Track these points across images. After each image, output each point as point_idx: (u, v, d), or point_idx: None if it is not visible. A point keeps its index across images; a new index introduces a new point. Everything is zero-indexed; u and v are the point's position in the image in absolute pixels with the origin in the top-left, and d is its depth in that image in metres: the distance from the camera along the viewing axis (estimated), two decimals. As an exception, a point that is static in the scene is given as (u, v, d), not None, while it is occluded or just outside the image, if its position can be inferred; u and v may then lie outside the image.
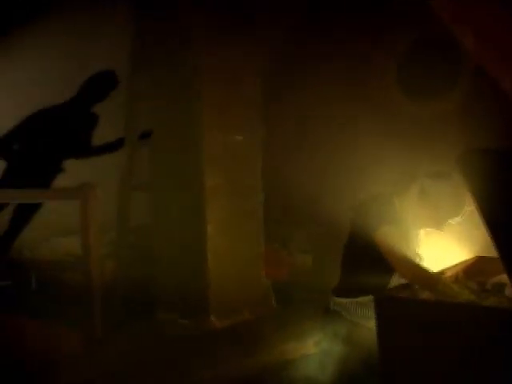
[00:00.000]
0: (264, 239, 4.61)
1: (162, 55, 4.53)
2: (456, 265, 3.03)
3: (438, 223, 2.84)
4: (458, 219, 2.80)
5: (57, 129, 5.31)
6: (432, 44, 4.68)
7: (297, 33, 5.17)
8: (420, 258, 2.85)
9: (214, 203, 4.30)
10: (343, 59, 5.01)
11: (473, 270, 3.04)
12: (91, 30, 5.28)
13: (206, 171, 4.28)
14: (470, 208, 2.69)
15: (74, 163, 5.39)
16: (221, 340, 4.04)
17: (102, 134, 5.46)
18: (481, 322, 2.16)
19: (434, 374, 2.25)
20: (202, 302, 4.29)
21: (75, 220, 4.10)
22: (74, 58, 5.30)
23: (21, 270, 4.95)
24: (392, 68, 4.93)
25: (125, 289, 4.61)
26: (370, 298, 2.54)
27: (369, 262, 2.70)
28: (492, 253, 2.55)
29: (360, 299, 2.79)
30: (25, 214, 5.26)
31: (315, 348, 2.99)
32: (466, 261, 3.17)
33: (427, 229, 2.95)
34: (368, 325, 2.65)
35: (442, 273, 2.75)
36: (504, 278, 2.66)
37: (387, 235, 2.65)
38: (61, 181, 5.30)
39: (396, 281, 2.74)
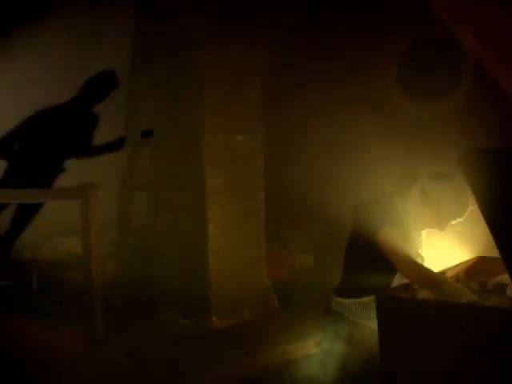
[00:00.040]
0: (265, 239, 4.61)
1: (162, 55, 4.53)
2: (457, 265, 3.03)
3: (440, 224, 2.85)
4: (459, 219, 2.80)
5: (58, 129, 5.31)
6: (432, 44, 4.68)
7: (297, 33, 5.17)
8: (422, 259, 2.85)
9: (215, 203, 4.30)
10: (343, 59, 5.00)
11: (474, 270, 3.04)
12: (91, 30, 5.28)
13: (206, 171, 4.29)
14: (472, 208, 2.69)
15: (75, 163, 5.39)
16: (222, 340, 4.04)
17: (102, 134, 5.46)
18: (482, 322, 2.17)
19: (436, 374, 2.25)
20: (203, 302, 4.29)
21: (76, 220, 4.10)
22: (74, 58, 5.30)
23: (22, 270, 4.95)
24: (392, 68, 4.94)
25: (126, 289, 4.61)
26: (372, 298, 2.54)
27: (371, 262, 2.70)
28: (493, 253, 2.55)
29: (362, 299, 2.80)
30: (26, 214, 5.26)
31: (316, 348, 2.99)
32: (467, 261, 3.17)
33: (429, 229, 2.95)
34: (369, 325, 2.66)
35: (443, 273, 2.76)
36: (505, 278, 2.66)
37: (390, 236, 2.65)
38: (62, 181, 5.30)
39: (398, 281, 2.74)
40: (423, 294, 2.55)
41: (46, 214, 5.25)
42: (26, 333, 3.54)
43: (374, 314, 2.41)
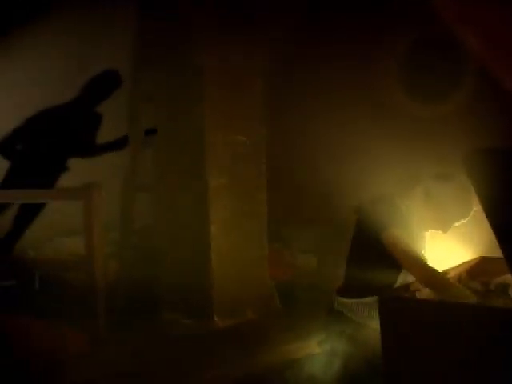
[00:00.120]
0: (267, 239, 4.62)
1: (163, 55, 4.54)
2: (460, 265, 3.03)
3: (444, 226, 2.84)
4: (463, 221, 2.80)
5: (60, 128, 5.31)
6: (434, 44, 4.67)
7: (297, 33, 5.17)
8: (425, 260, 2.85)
9: (217, 203, 4.31)
10: (344, 59, 5.00)
11: (476, 270, 3.04)
12: (91, 30, 5.28)
13: (208, 171, 4.29)
14: (475, 209, 2.69)
15: (78, 163, 5.39)
16: (224, 340, 4.04)
17: (105, 134, 5.46)
18: (484, 322, 2.16)
19: (438, 374, 2.25)
20: (205, 302, 4.30)
21: (79, 220, 4.10)
22: (74, 58, 5.29)
23: (24, 270, 4.95)
24: (394, 68, 4.93)
25: (128, 289, 4.61)
26: (374, 298, 2.54)
27: (374, 262, 2.70)
28: (496, 253, 2.55)
29: (364, 299, 2.80)
30: (28, 214, 5.26)
31: (319, 348, 2.99)
32: (469, 261, 3.17)
33: (432, 231, 2.95)
34: (372, 325, 2.66)
35: (445, 273, 2.75)
36: (508, 278, 2.66)
37: (397, 236, 2.65)
38: (65, 180, 5.30)
39: (401, 280, 2.75)
40: (423, 294, 2.55)
41: (49, 213, 5.25)
42: (30, 333, 3.54)
43: (376, 314, 2.41)
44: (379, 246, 2.67)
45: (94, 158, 5.42)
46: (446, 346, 2.20)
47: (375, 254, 2.69)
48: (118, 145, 5.24)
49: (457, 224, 2.83)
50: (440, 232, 2.91)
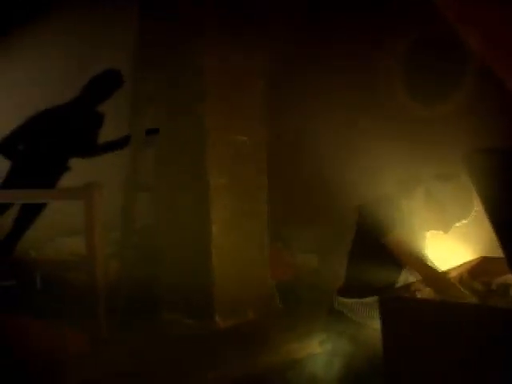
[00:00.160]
0: (268, 239, 4.62)
1: (163, 55, 4.53)
2: (461, 265, 3.03)
3: (445, 226, 2.84)
4: (464, 221, 2.80)
5: (62, 128, 5.30)
6: (435, 44, 4.67)
7: (297, 33, 5.17)
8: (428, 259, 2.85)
9: (218, 203, 4.31)
10: (345, 60, 5.00)
11: (478, 270, 3.04)
12: (92, 30, 5.28)
13: (209, 171, 4.29)
14: (476, 209, 2.69)
15: (80, 162, 5.38)
16: (225, 340, 4.04)
17: (107, 133, 5.46)
18: (485, 322, 2.16)
19: (439, 374, 2.25)
20: (206, 301, 4.29)
21: (80, 220, 4.10)
22: (75, 58, 5.30)
23: (25, 270, 4.95)
24: (394, 69, 4.93)
25: (129, 289, 4.60)
26: (375, 298, 2.54)
27: (375, 262, 2.70)
28: (497, 253, 2.55)
29: (365, 300, 2.80)
30: (29, 214, 5.25)
31: (320, 348, 2.99)
32: (470, 261, 3.17)
33: (434, 231, 2.95)
34: (373, 325, 2.66)
35: (447, 273, 2.75)
36: (509, 278, 2.67)
37: (401, 238, 2.65)
38: (66, 180, 5.30)
39: (402, 281, 2.75)
40: (423, 294, 2.55)
41: (50, 213, 5.24)
42: (30, 333, 3.54)
43: (377, 314, 2.41)
44: (380, 247, 2.67)
45: (95, 157, 5.42)
46: (447, 345, 2.20)
47: (376, 255, 2.70)
48: (118, 144, 5.23)
49: (458, 224, 2.83)
50: (441, 232, 2.91)
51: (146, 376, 3.36)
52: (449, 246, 3.27)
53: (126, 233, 4.85)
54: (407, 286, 2.62)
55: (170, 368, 3.48)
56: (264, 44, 4.59)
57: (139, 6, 4.77)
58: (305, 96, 5.22)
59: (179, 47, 4.41)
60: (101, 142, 5.44)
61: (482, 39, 2.87)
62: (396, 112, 4.77)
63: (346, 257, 2.98)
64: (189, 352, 3.76)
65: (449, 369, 2.21)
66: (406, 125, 4.62)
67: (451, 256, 3.23)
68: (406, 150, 4.24)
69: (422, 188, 2.84)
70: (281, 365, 3.38)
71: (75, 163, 5.38)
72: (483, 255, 3.28)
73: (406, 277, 2.76)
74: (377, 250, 2.68)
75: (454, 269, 2.92)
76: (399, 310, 2.35)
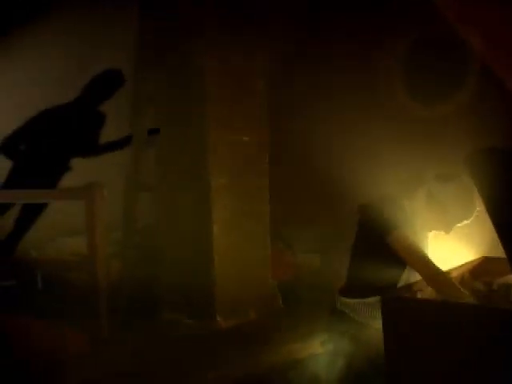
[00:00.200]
0: (270, 239, 4.61)
1: (164, 55, 4.53)
2: (462, 265, 3.02)
3: (446, 226, 2.84)
4: (466, 222, 2.79)
5: (63, 128, 5.31)
6: (436, 44, 4.66)
7: (298, 33, 5.16)
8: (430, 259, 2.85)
9: (220, 203, 4.30)
10: (347, 60, 4.99)
11: (479, 270, 3.04)
12: (92, 30, 5.28)
13: (211, 171, 4.29)
14: (479, 209, 2.68)
15: (81, 162, 5.39)
16: (226, 340, 4.04)
17: (109, 133, 5.46)
18: (486, 322, 2.16)
19: (440, 374, 2.25)
20: (207, 302, 4.29)
21: (81, 220, 4.10)
22: (75, 58, 5.29)
23: (26, 270, 4.95)
24: (395, 69, 4.92)
25: (130, 289, 4.61)
26: (377, 298, 2.54)
27: (377, 262, 2.70)
28: (498, 253, 2.55)
29: (367, 300, 2.80)
30: (31, 214, 5.26)
31: (322, 348, 2.99)
32: (472, 261, 3.16)
33: (435, 231, 2.94)
34: (374, 325, 2.65)
35: (448, 273, 2.75)
36: (511, 278, 2.66)
37: (404, 238, 2.65)
38: (68, 180, 5.30)
39: (404, 281, 2.74)
40: (425, 294, 2.55)
41: (51, 213, 5.25)
42: (31, 332, 3.54)
43: (378, 314, 2.41)
44: (382, 246, 2.67)
45: (96, 157, 5.42)
46: (448, 346, 2.20)
47: (378, 254, 2.69)
48: (119, 144, 5.24)
49: (459, 225, 2.83)
50: (443, 232, 2.90)
51: (147, 376, 3.35)
52: (450, 246, 3.27)
53: (128, 233, 4.85)
54: (409, 286, 2.62)
55: (171, 368, 3.48)
56: (264, 44, 4.59)
57: (139, 5, 4.77)
58: (305, 96, 5.21)
59: (179, 47, 4.41)
60: (102, 142, 5.45)
61: (483, 39, 2.88)
62: (397, 112, 4.77)
63: (347, 257, 2.97)
64: (190, 352, 3.76)
65: (450, 369, 2.21)
66: (407, 125, 4.61)
67: (453, 256, 3.23)
68: (407, 151, 4.24)
69: (423, 188, 2.83)
70: (282, 365, 3.38)
71: (76, 163, 5.39)
72: (485, 255, 3.28)
73: (408, 277, 2.75)
74: (379, 250, 2.68)
75: (456, 269, 2.91)
76: (401, 310, 2.35)
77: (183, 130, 4.44)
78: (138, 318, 4.32)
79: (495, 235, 2.31)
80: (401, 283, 2.74)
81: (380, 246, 2.66)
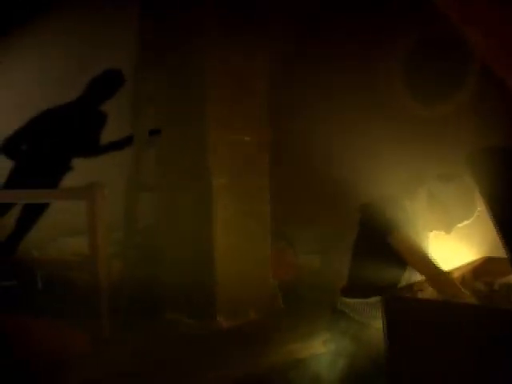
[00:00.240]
0: (271, 239, 4.61)
1: (164, 56, 4.53)
2: (464, 265, 3.02)
3: (447, 226, 2.84)
4: (467, 222, 2.79)
5: (65, 128, 5.31)
6: (437, 44, 4.66)
7: (298, 32, 5.16)
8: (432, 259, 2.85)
9: (221, 203, 4.30)
10: (347, 60, 4.99)
11: (480, 270, 3.04)
12: (92, 30, 5.28)
13: (212, 171, 4.29)
14: (480, 209, 2.68)
15: (82, 162, 5.39)
16: (227, 340, 4.04)
17: (108, 134, 5.46)
18: (487, 322, 2.16)
19: (441, 374, 2.25)
20: (208, 301, 4.29)
21: (82, 220, 4.10)
22: (75, 58, 5.30)
23: (28, 270, 4.95)
24: (395, 69, 4.92)
25: (131, 289, 4.61)
26: (378, 298, 2.54)
27: (378, 262, 2.70)
28: (500, 253, 2.54)
29: (368, 300, 2.80)
30: (32, 213, 5.26)
31: (323, 348, 2.99)
32: (473, 261, 3.16)
33: (436, 231, 2.94)
34: (376, 325, 2.65)
35: (449, 273, 2.75)
36: (512, 278, 2.66)
37: (405, 238, 2.65)
38: (69, 180, 5.30)
39: (405, 281, 2.74)
40: (426, 294, 2.55)
41: (52, 213, 5.25)
42: (32, 332, 3.54)
43: (379, 314, 2.41)
44: (383, 246, 2.67)
45: (97, 157, 5.42)
46: (449, 346, 2.20)
47: (379, 254, 2.69)
48: (120, 145, 5.24)
49: (460, 225, 2.83)
50: (444, 232, 2.90)
51: (147, 376, 3.36)
52: (452, 247, 3.27)
53: (129, 233, 4.85)
54: (410, 286, 2.62)
55: (172, 368, 3.49)
56: (264, 44, 4.59)
57: (139, 5, 4.77)
58: (306, 96, 5.21)
59: (180, 47, 4.42)
60: (103, 142, 5.45)
61: (484, 39, 2.87)
62: (397, 112, 4.77)
63: (348, 257, 2.97)
64: (190, 352, 3.76)
65: (450, 369, 2.21)
66: (407, 125, 4.62)
67: (454, 256, 3.23)
68: (408, 150, 4.24)
69: (424, 188, 2.83)
70: (283, 365, 3.38)
71: (78, 163, 5.38)
72: (486, 255, 3.27)
73: (409, 276, 2.75)
74: (380, 250, 2.68)
75: (457, 269, 2.91)
76: (401, 310, 2.35)
77: (184, 130, 4.44)
78: (138, 317, 4.32)
79: (496, 235, 2.31)
80: (402, 283, 2.74)
81: (381, 246, 2.66)
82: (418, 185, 2.87)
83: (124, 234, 4.86)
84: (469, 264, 3.08)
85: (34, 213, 5.26)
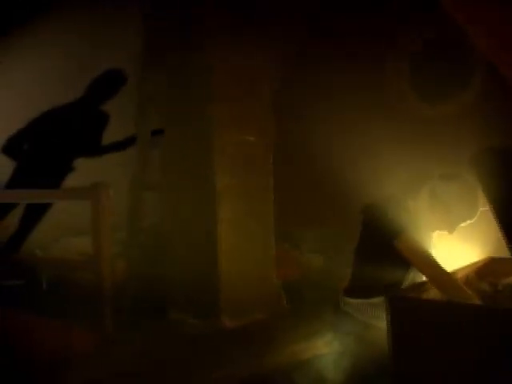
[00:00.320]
0: (275, 239, 4.61)
1: (168, 55, 4.54)
2: (468, 266, 3.02)
3: (450, 226, 2.84)
4: (469, 222, 2.79)
5: (67, 128, 5.32)
6: (442, 45, 4.66)
7: (299, 33, 5.16)
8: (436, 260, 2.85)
9: (225, 203, 4.30)
10: (353, 61, 4.99)
11: (485, 270, 3.03)
12: (92, 30, 5.29)
13: (217, 171, 4.29)
14: (483, 209, 2.68)
15: (85, 162, 5.40)
16: (231, 340, 4.04)
17: (111, 134, 5.47)
18: (492, 323, 2.16)
19: (445, 374, 2.25)
20: (212, 301, 4.29)
21: (86, 220, 4.11)
22: (75, 58, 5.30)
23: (31, 270, 4.96)
24: (400, 69, 4.92)
25: (135, 288, 4.61)
26: (381, 298, 2.54)
27: (381, 263, 2.70)
28: (504, 253, 2.54)
29: (371, 300, 2.80)
30: (35, 214, 5.27)
31: (326, 348, 2.99)
32: (477, 261, 3.16)
33: (439, 231, 2.94)
34: (379, 325, 2.66)
35: (453, 274, 2.75)
36: (516, 278, 2.66)
37: (410, 238, 2.65)
38: (72, 180, 5.31)
39: (409, 281, 2.74)
40: (429, 294, 2.55)
41: (56, 213, 5.26)
42: (36, 332, 3.55)
43: (383, 314, 2.41)
44: (386, 247, 2.67)
45: (101, 157, 5.43)
46: (453, 346, 2.20)
47: (382, 255, 2.69)
48: (123, 144, 5.24)
49: (463, 225, 2.83)
50: (447, 232, 2.90)
51: (152, 376, 3.36)
52: (456, 247, 3.27)
53: (133, 232, 4.85)
54: (413, 286, 2.62)
55: (176, 368, 3.48)
56: (264, 44, 4.59)
57: (140, 5, 4.77)
58: (310, 97, 5.22)
59: (181, 47, 4.42)
60: (106, 143, 5.45)
61: (489, 40, 2.88)
62: (399, 112, 4.78)
63: (351, 257, 2.97)
64: (194, 352, 3.76)
65: (455, 369, 2.21)
66: (410, 125, 4.62)
67: (458, 256, 3.23)
68: (411, 151, 4.24)
69: (426, 188, 2.83)
70: (287, 365, 3.37)
71: (81, 163, 5.39)
72: (490, 256, 3.27)
73: (413, 277, 2.75)
74: (383, 250, 2.68)
75: (461, 269, 2.91)
76: (405, 310, 2.35)
77: (188, 130, 4.44)
78: (142, 317, 4.31)
79: (500, 235, 2.31)
80: (405, 283, 2.74)
81: (384, 246, 2.66)
82: (420, 185, 2.86)
83: (128, 234, 4.86)
84: (473, 264, 3.08)
85: (37, 213, 5.26)
